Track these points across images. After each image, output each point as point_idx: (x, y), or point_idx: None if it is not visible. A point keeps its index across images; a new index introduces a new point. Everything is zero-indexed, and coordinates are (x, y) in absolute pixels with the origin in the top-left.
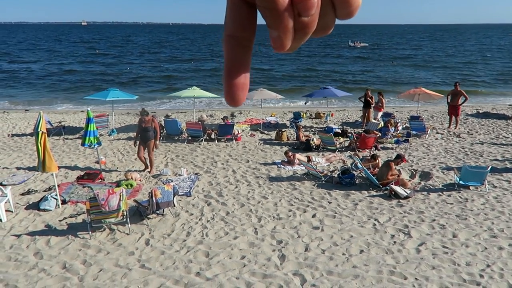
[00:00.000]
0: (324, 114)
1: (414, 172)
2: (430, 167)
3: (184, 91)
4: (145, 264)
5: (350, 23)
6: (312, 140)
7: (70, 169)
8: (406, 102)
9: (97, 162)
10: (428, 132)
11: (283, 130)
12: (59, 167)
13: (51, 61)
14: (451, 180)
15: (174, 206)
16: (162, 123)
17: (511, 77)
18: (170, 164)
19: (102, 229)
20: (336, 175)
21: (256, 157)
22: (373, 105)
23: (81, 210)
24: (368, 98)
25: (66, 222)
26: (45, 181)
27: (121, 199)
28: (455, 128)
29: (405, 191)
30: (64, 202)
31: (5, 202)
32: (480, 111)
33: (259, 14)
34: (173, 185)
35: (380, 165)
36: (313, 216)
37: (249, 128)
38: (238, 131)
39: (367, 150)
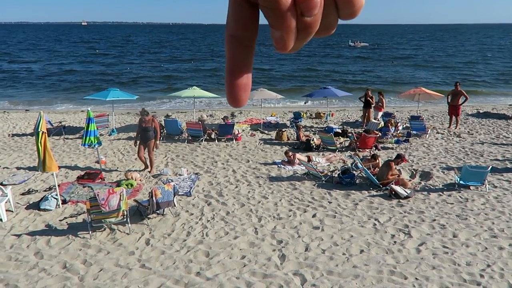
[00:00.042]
0: (324, 114)
1: (414, 172)
2: (430, 167)
3: (184, 91)
4: (145, 263)
5: (350, 23)
6: (313, 140)
7: (71, 169)
8: (406, 102)
9: (97, 162)
10: (429, 132)
11: (283, 130)
12: (60, 167)
13: (51, 61)
14: (452, 180)
15: (174, 206)
16: (162, 123)
17: None
18: (170, 164)
19: (103, 229)
20: (336, 175)
21: (256, 157)
22: (374, 105)
23: (81, 210)
24: (369, 98)
25: (66, 222)
26: (46, 181)
27: (121, 199)
28: (455, 128)
29: (405, 191)
30: (64, 202)
31: (6, 202)
32: (481, 111)
33: (261, 14)
34: (173, 185)
35: (380, 165)
36: (313, 216)
37: (249, 128)
38: (238, 131)
39: (367, 150)
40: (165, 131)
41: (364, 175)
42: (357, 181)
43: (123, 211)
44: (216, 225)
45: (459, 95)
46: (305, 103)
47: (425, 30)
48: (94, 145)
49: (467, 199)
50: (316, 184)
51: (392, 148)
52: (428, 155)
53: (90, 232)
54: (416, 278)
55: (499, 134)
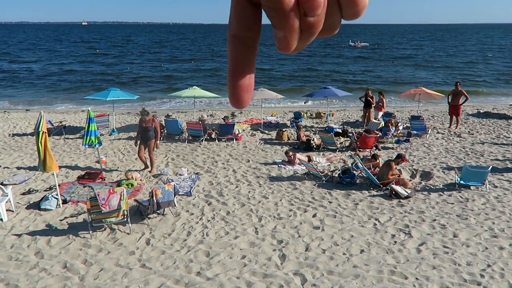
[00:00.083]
0: (324, 114)
1: (414, 172)
2: (430, 167)
3: (184, 91)
4: (145, 263)
5: (351, 22)
6: (313, 139)
7: (71, 169)
8: (406, 102)
9: (98, 162)
10: (429, 132)
11: (283, 129)
12: (60, 167)
13: (52, 61)
14: (452, 180)
15: (175, 206)
16: (163, 122)
17: None
18: (170, 164)
19: (103, 229)
20: (336, 175)
21: (257, 156)
22: (374, 105)
23: (81, 210)
24: (369, 98)
25: (66, 222)
26: (46, 181)
27: (122, 198)
28: (455, 128)
29: (405, 191)
30: (64, 201)
31: (6, 202)
32: (481, 111)
33: (263, 14)
34: (174, 184)
35: (380, 165)
36: (314, 215)
37: (250, 128)
38: (238, 130)
39: (368, 150)
40: (165, 131)
41: (365, 175)
42: (358, 181)
43: (123, 211)
44: (216, 225)
45: (460, 95)
46: (304, 102)
47: (426, 30)
48: (95, 145)
49: (468, 199)
50: (317, 184)
51: (392, 148)
52: (429, 155)
53: (91, 232)
54: (417, 278)
55: (499, 134)
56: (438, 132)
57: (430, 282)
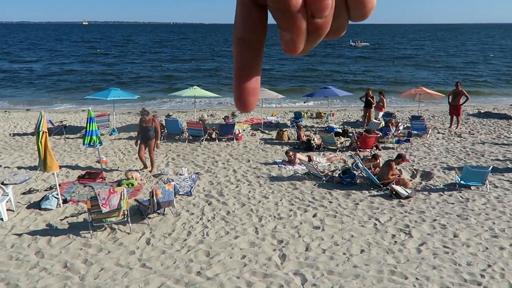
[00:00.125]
0: (325, 113)
1: (415, 172)
2: (431, 167)
3: (185, 91)
4: (146, 263)
5: (350, 22)
6: (313, 139)
7: (71, 169)
8: (407, 102)
9: (98, 162)
10: (429, 132)
11: (284, 129)
12: (60, 167)
13: (52, 61)
14: (452, 180)
15: (174, 206)
16: (163, 122)
17: None
18: (171, 164)
19: (103, 228)
20: (337, 175)
21: (257, 156)
22: (374, 105)
23: (82, 210)
24: (369, 98)
25: (67, 221)
26: (46, 181)
27: (122, 198)
28: (456, 128)
29: (406, 191)
30: (65, 201)
31: (7, 201)
32: (482, 111)
33: (269, 15)
34: (174, 184)
35: (381, 165)
36: (314, 215)
37: (250, 128)
38: (239, 130)
39: (368, 150)
40: (166, 131)
41: (365, 175)
42: (358, 181)
43: (123, 210)
44: (216, 224)
45: (460, 95)
46: (304, 102)
47: (426, 30)
48: (96, 145)
49: (468, 199)
50: (317, 184)
51: (392, 148)
52: (429, 155)
53: (91, 231)
54: (417, 278)
55: (500, 134)
56: (438, 132)
57: (430, 282)
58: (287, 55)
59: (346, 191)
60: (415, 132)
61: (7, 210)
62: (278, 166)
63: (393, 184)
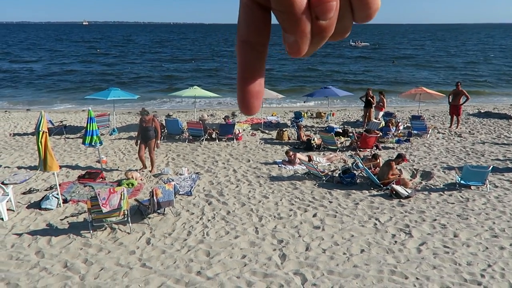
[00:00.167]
0: (325, 113)
1: (415, 172)
2: (431, 166)
3: (185, 91)
4: (146, 263)
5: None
6: (313, 139)
7: (71, 168)
8: (407, 101)
9: (98, 161)
10: (429, 132)
11: (284, 129)
12: (60, 166)
13: (52, 61)
14: (452, 179)
15: (174, 206)
16: (163, 122)
17: None
18: (171, 164)
19: (103, 228)
20: (337, 175)
21: (257, 156)
22: (374, 105)
23: (82, 209)
24: (369, 97)
25: (67, 221)
26: (47, 180)
27: (122, 198)
28: (456, 128)
29: (406, 191)
30: (65, 201)
31: (7, 201)
32: (482, 111)
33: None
34: (174, 184)
35: (381, 165)
36: (314, 215)
37: (250, 128)
38: (239, 130)
39: (368, 150)
40: (166, 131)
41: (365, 175)
42: (358, 181)
43: (123, 210)
44: (216, 224)
45: (460, 95)
46: (304, 102)
47: (427, 30)
48: (96, 145)
49: (468, 199)
50: (317, 184)
51: (393, 148)
52: (429, 154)
53: (91, 231)
54: (417, 278)
55: (500, 134)
56: (438, 132)
57: (430, 282)
58: (291, 57)
59: (346, 191)
60: (415, 132)
61: (7, 210)
62: (278, 166)
63: (393, 184)
